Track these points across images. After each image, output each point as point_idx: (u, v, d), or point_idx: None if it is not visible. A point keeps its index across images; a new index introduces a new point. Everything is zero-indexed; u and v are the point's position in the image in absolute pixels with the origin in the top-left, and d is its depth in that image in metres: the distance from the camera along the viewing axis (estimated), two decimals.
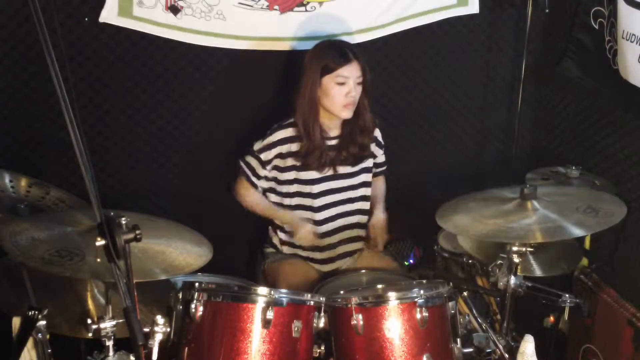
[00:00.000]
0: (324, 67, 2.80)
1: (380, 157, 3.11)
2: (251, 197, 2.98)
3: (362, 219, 3.06)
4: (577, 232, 2.42)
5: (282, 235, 3.02)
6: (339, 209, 3.00)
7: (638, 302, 2.80)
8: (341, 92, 2.80)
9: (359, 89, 2.84)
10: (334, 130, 2.94)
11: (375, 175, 3.10)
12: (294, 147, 2.88)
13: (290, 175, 2.92)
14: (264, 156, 2.90)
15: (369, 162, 3.03)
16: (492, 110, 3.59)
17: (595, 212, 2.47)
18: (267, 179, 2.96)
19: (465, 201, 2.66)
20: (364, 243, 3.07)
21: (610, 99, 3.07)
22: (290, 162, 2.90)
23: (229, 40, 3.07)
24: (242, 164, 2.95)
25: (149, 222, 2.20)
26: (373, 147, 3.03)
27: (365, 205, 3.06)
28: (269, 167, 2.92)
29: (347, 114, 2.85)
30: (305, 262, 3.01)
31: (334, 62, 2.79)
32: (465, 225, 2.54)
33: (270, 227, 3.07)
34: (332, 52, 2.82)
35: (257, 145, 2.92)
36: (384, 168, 3.15)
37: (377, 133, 3.05)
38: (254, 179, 2.94)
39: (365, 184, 3.04)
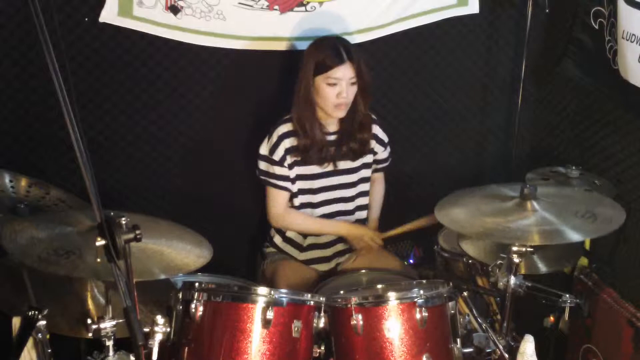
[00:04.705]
0: (317, 67, 2.78)
1: (382, 154, 3.08)
2: (290, 216, 2.93)
3: (361, 214, 3.06)
4: (575, 237, 2.38)
5: (289, 234, 3.01)
6: (339, 206, 3.00)
7: (638, 302, 2.79)
8: (332, 93, 2.78)
9: (353, 88, 2.82)
10: (332, 126, 2.93)
11: (375, 171, 3.09)
12: (294, 141, 2.87)
13: (293, 172, 2.91)
14: (275, 156, 2.86)
15: (368, 158, 3.02)
16: (492, 110, 3.58)
17: (594, 217, 2.44)
18: (290, 179, 2.90)
19: (464, 196, 2.64)
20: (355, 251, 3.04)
21: (610, 99, 3.07)
22: (293, 157, 2.89)
23: (229, 40, 3.07)
24: (261, 177, 2.91)
25: (148, 223, 2.20)
26: (373, 144, 3.01)
27: (364, 200, 3.06)
28: (286, 164, 2.87)
29: (340, 114, 2.84)
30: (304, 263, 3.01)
31: (326, 63, 2.77)
32: (463, 221, 2.52)
33: (272, 228, 3.06)
34: (326, 52, 2.79)
35: (263, 150, 2.89)
36: (385, 165, 3.12)
37: (378, 130, 3.03)
38: (280, 183, 2.88)
39: (364, 180, 3.03)
